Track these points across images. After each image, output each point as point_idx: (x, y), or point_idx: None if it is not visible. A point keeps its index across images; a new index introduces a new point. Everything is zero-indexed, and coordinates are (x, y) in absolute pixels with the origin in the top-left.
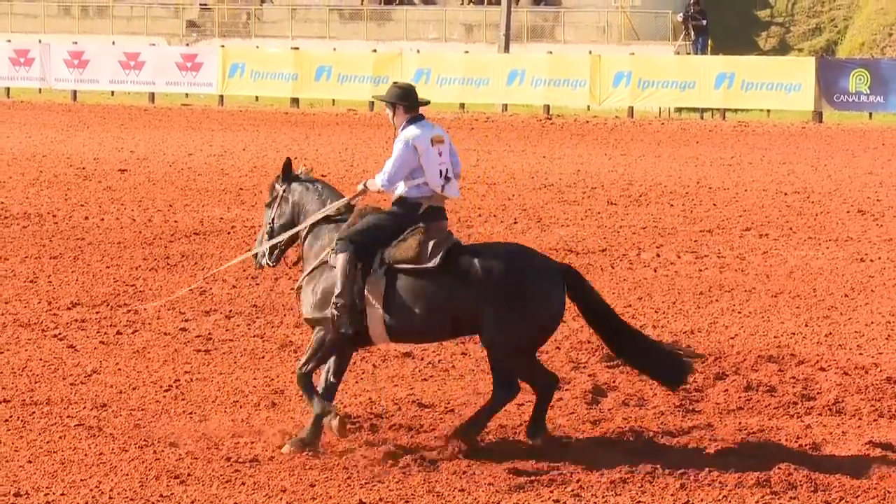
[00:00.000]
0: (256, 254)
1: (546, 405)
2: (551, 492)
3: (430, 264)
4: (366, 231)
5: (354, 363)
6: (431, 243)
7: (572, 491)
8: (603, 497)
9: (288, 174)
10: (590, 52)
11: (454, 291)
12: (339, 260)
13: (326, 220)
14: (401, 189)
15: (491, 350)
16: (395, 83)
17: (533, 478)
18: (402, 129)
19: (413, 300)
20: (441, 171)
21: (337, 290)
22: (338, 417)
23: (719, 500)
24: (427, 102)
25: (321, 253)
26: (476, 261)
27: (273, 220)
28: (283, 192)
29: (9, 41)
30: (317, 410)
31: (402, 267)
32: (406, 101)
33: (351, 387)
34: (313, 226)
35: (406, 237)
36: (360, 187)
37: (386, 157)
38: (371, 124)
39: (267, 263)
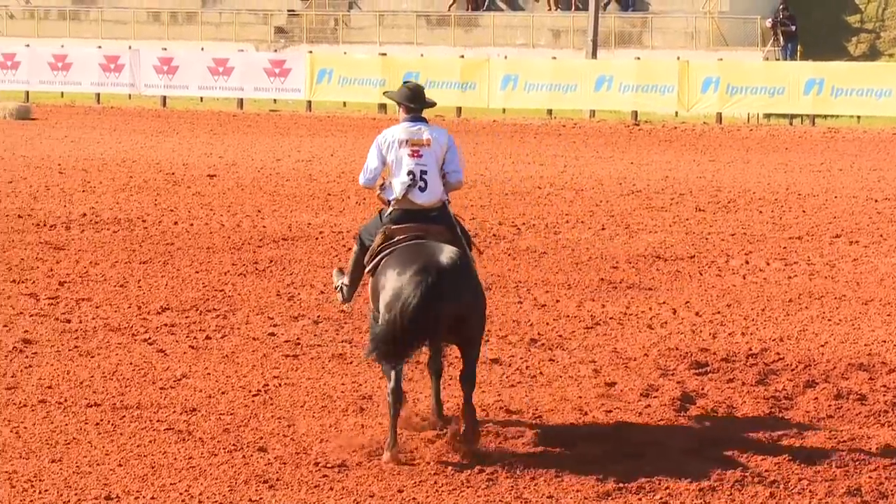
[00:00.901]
0: None
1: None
2: (639, 499)
3: (369, 270)
4: (364, 230)
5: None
6: (378, 249)
7: (660, 499)
8: None
9: None
10: (678, 58)
11: (375, 295)
12: (353, 251)
13: None
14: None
15: None
16: (405, 83)
17: (621, 485)
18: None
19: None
20: (413, 172)
21: (347, 273)
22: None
23: None
24: (433, 104)
25: None
26: (381, 267)
27: None
28: None
29: (99, 48)
30: None
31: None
32: (408, 102)
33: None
34: None
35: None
36: None
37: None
38: (459, 130)
39: None
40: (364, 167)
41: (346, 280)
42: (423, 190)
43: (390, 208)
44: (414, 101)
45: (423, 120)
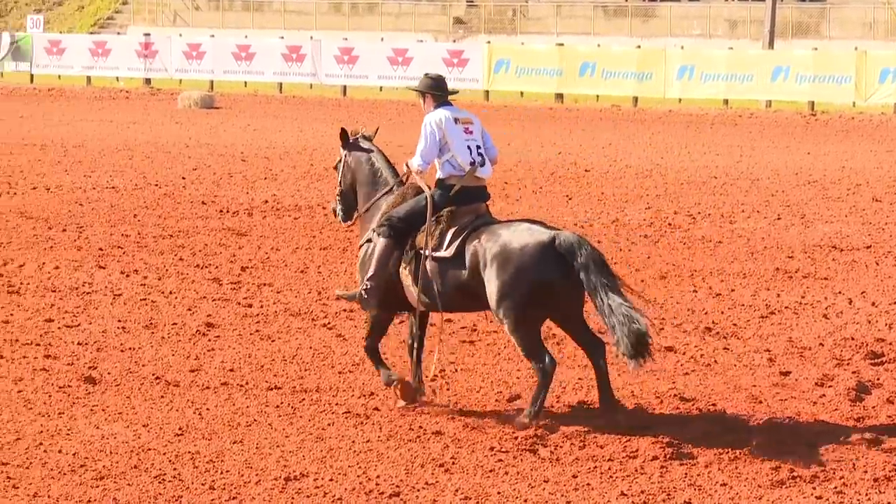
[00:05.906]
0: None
1: (602, 375)
2: (814, 488)
3: (446, 253)
4: (406, 217)
5: (615, 356)
6: (451, 232)
7: (835, 488)
8: (866, 494)
9: (346, 142)
10: (855, 48)
11: (464, 274)
12: (379, 244)
13: (389, 191)
14: (438, 170)
15: (502, 324)
16: (426, 74)
17: (795, 473)
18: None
19: (436, 280)
20: (470, 148)
21: (370, 273)
22: (401, 382)
23: None
24: (455, 92)
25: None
26: (478, 244)
27: (340, 181)
28: (346, 157)
29: (282, 38)
30: (382, 380)
31: (426, 253)
32: (435, 91)
33: (613, 378)
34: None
35: (434, 223)
36: (403, 168)
37: None
38: (635, 120)
39: (342, 220)
40: (420, 150)
41: (370, 282)
42: (482, 165)
43: (456, 186)
44: (441, 90)
45: (450, 104)
